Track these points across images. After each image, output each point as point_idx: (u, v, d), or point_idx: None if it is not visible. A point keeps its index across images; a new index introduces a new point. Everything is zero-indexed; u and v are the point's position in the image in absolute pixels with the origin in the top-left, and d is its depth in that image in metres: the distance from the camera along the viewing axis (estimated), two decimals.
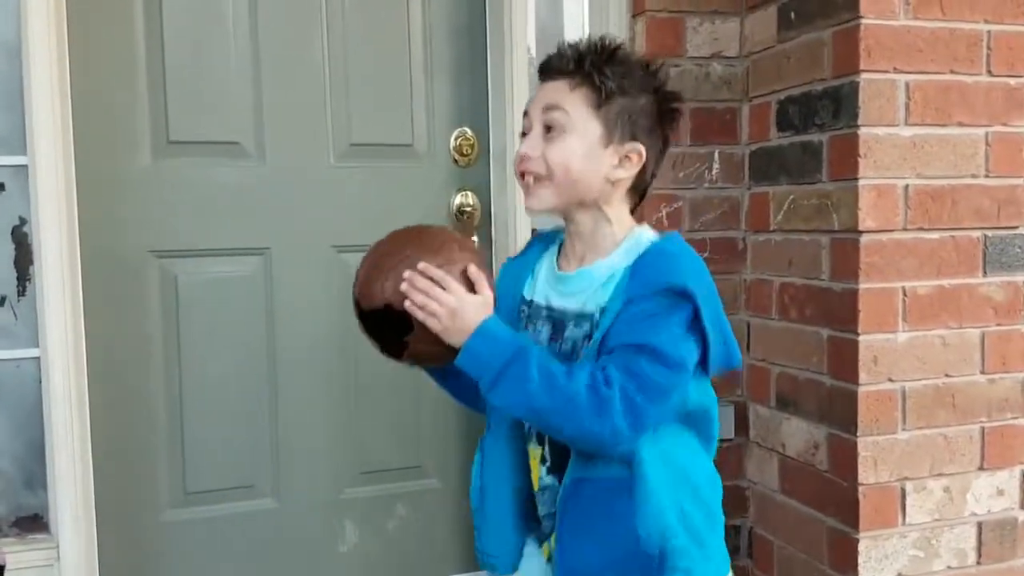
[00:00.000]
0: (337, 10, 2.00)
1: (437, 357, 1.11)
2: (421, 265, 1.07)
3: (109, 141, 1.86)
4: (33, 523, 1.79)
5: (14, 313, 1.75)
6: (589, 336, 1.11)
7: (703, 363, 1.09)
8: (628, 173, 1.15)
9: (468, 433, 2.09)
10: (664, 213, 2.01)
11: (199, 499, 1.96)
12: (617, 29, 2.02)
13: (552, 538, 1.18)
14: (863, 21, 1.66)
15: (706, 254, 2.04)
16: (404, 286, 1.06)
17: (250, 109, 1.94)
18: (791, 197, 1.88)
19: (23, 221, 1.74)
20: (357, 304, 1.11)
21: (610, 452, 1.08)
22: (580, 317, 1.14)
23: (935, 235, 1.74)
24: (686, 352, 1.06)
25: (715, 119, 2.03)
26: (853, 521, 1.73)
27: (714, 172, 2.04)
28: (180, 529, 1.94)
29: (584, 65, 1.12)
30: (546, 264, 1.23)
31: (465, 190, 2.09)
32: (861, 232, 1.69)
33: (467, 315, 1.06)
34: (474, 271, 1.10)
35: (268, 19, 1.95)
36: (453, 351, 1.08)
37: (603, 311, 1.10)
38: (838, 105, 1.72)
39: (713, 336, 1.08)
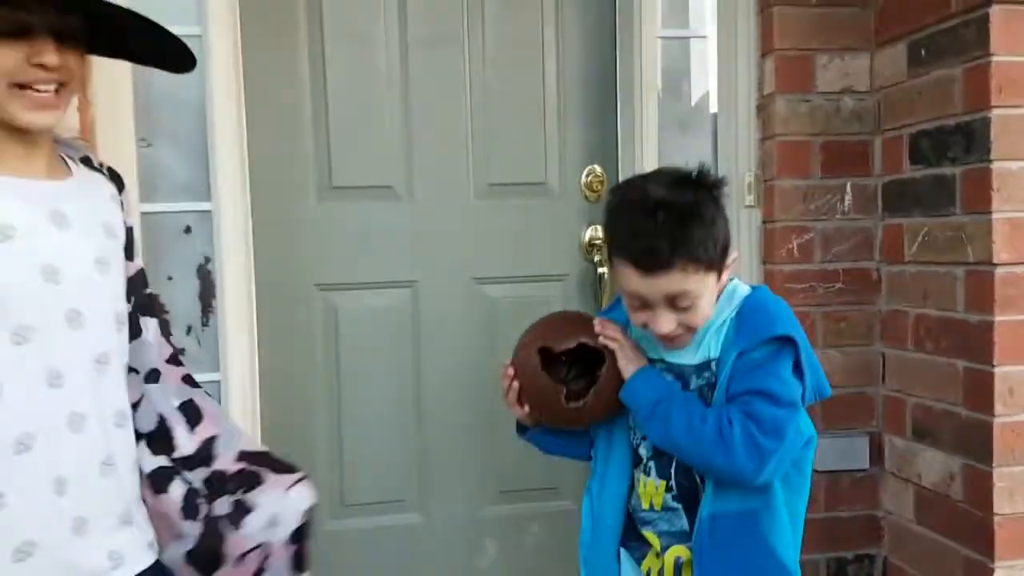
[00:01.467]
0: (479, 63, 2.14)
1: (608, 403, 1.30)
2: (602, 318, 1.33)
3: (281, 187, 2.05)
4: None
5: (198, 341, 1.97)
6: (711, 384, 1.25)
7: (802, 396, 1.23)
8: (731, 271, 1.29)
9: None
10: (795, 244, 2.05)
11: (355, 511, 2.12)
12: (746, 69, 2.08)
13: (664, 552, 1.30)
14: (994, 59, 1.67)
15: (839, 285, 2.06)
16: (598, 327, 1.30)
17: (402, 157, 2.11)
18: (925, 229, 1.89)
19: (207, 259, 1.96)
20: (544, 349, 1.31)
21: (744, 485, 1.21)
22: (700, 368, 1.27)
23: None
24: (794, 391, 1.21)
25: (847, 151, 2.05)
26: (988, 551, 1.71)
27: (846, 203, 2.06)
28: (338, 538, 2.09)
29: (684, 253, 1.19)
30: None
31: (595, 224, 2.17)
32: (995, 265, 1.69)
33: (638, 355, 1.29)
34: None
35: (418, 76, 2.11)
36: (611, 407, 1.30)
37: (719, 362, 1.24)
38: (970, 140, 1.73)
39: (809, 374, 1.22)
